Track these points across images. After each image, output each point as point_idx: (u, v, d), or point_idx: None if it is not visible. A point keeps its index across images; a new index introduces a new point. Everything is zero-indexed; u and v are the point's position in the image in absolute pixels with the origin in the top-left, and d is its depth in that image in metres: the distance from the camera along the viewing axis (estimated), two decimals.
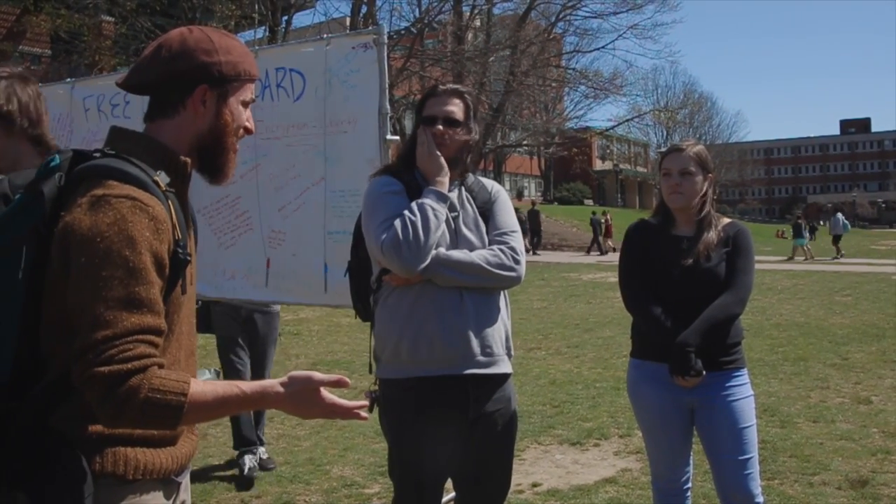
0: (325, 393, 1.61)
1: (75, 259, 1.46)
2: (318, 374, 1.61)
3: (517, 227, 2.75)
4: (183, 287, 1.63)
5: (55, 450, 1.49)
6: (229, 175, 1.76)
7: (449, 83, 2.81)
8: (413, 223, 2.49)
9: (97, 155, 1.59)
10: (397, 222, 2.50)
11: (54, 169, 1.56)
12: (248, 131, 1.77)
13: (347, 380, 1.63)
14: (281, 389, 1.57)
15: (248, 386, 1.56)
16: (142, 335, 1.45)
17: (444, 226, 2.57)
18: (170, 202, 1.59)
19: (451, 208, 2.64)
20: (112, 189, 1.51)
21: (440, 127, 2.63)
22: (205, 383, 1.53)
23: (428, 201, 2.54)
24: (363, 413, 1.67)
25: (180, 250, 1.57)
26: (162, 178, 1.60)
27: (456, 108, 2.66)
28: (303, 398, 1.59)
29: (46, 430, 1.49)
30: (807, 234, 27.20)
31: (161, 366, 1.47)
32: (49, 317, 1.52)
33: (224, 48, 1.68)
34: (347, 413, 1.65)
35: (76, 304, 1.45)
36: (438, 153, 2.63)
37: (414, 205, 2.53)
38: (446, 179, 2.62)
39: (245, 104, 1.75)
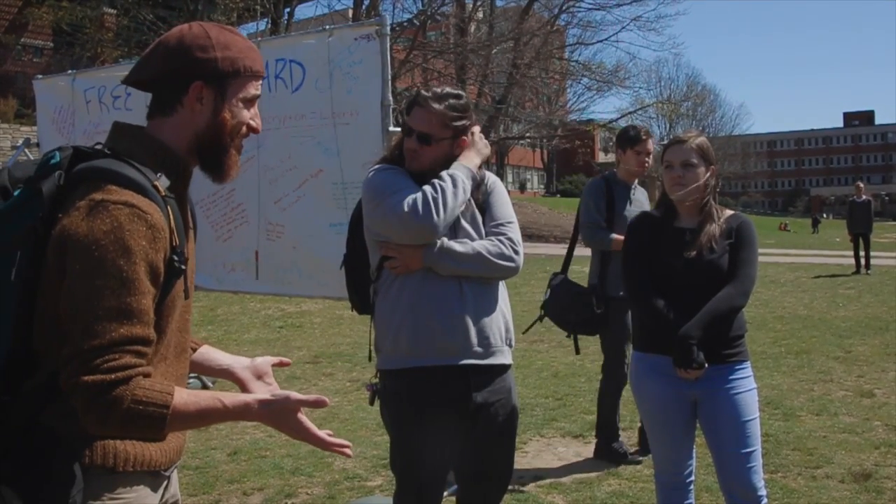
0: (304, 419, 1.61)
1: (70, 265, 1.46)
2: (295, 395, 1.60)
3: (514, 217, 2.74)
4: (186, 292, 1.64)
5: (45, 446, 1.49)
6: (231, 174, 1.73)
7: (436, 87, 2.71)
8: (443, 188, 2.50)
9: (97, 151, 1.57)
10: (426, 188, 2.51)
11: (54, 167, 1.54)
12: (252, 130, 1.74)
13: (326, 399, 1.62)
14: (261, 407, 1.58)
15: (230, 400, 1.56)
16: (129, 346, 1.45)
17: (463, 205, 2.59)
18: (169, 207, 1.57)
19: None
20: (111, 194, 1.49)
21: (412, 143, 2.62)
22: (189, 394, 1.52)
23: (459, 173, 2.56)
24: (347, 451, 1.66)
25: (176, 258, 1.56)
26: (162, 182, 1.58)
27: (426, 124, 2.59)
28: (280, 417, 1.59)
29: (38, 426, 1.50)
30: None
31: (147, 375, 1.48)
32: (43, 315, 1.51)
33: (222, 44, 1.65)
34: (324, 446, 1.64)
35: (68, 310, 1.45)
36: (486, 142, 2.71)
37: (444, 173, 2.55)
38: (479, 163, 2.66)
39: (248, 101, 1.71)
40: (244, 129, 1.72)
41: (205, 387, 5.54)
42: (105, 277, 1.44)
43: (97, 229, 1.46)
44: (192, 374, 4.25)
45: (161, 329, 1.59)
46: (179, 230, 1.60)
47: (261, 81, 1.75)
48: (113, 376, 1.42)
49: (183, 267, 1.59)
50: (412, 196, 2.50)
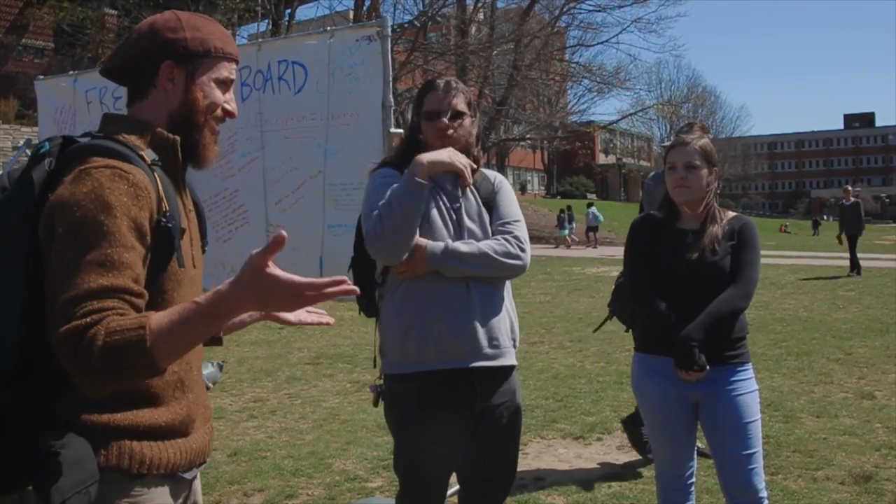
0: (279, 272, 1.39)
1: (56, 230, 1.46)
2: (254, 251, 1.40)
3: (520, 216, 2.73)
4: (180, 260, 1.61)
5: (60, 437, 1.47)
6: (208, 157, 1.73)
7: (446, 76, 2.79)
8: (382, 217, 2.48)
9: (86, 136, 1.60)
10: (374, 214, 2.51)
11: (44, 155, 1.57)
12: (227, 113, 1.74)
13: (283, 233, 1.39)
14: (231, 287, 1.40)
15: (202, 298, 1.42)
16: (109, 294, 1.40)
17: (416, 212, 2.49)
18: (156, 175, 1.59)
19: (454, 199, 2.63)
20: (94, 163, 1.51)
21: (445, 120, 2.61)
22: (163, 312, 1.41)
23: (394, 191, 2.50)
24: (345, 287, 1.42)
25: (164, 219, 1.55)
26: (148, 154, 1.61)
27: (458, 100, 2.64)
28: (255, 286, 1.38)
29: (53, 418, 1.49)
30: (567, 226, 30.94)
31: (122, 314, 1.39)
32: (49, 304, 1.50)
33: (192, 26, 1.68)
34: (320, 291, 1.40)
35: (56, 274, 1.44)
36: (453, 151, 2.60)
37: (387, 194, 2.51)
38: (428, 160, 2.52)
39: (221, 83, 1.71)
40: (219, 110, 1.72)
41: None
42: (87, 233, 1.44)
43: (78, 192, 1.47)
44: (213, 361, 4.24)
45: (167, 304, 1.57)
46: (170, 198, 1.60)
47: (235, 66, 1.75)
48: (88, 319, 1.37)
49: (170, 225, 1.57)
50: (370, 225, 2.50)
